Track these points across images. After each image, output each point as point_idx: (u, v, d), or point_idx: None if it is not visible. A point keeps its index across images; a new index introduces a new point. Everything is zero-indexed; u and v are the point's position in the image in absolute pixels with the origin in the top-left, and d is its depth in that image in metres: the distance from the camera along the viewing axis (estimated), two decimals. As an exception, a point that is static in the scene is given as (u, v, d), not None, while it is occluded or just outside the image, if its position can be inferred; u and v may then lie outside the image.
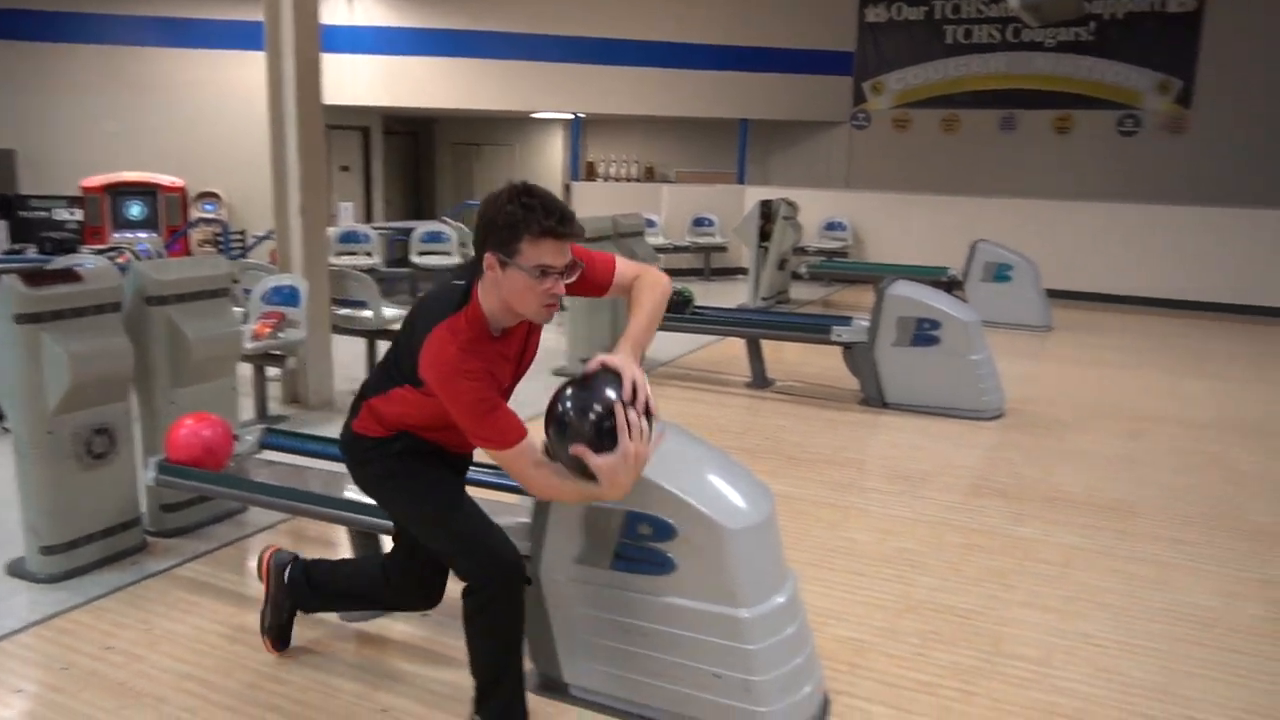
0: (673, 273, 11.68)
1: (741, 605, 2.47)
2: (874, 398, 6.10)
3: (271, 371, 5.75)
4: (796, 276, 10.62)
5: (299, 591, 2.91)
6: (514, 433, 2.19)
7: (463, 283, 2.26)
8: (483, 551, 2.40)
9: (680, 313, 6.54)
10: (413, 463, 2.46)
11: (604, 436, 2.16)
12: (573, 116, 14.04)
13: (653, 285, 2.42)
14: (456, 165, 16.90)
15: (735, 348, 6.71)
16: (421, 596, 2.77)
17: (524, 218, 2.11)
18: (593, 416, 2.17)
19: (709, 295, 9.52)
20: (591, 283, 2.39)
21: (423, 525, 2.52)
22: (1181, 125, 12.53)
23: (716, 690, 2.54)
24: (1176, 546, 4.06)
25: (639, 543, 2.52)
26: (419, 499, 2.48)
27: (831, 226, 12.35)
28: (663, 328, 7.40)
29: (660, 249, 10.53)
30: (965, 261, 9.41)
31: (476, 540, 2.41)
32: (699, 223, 12.69)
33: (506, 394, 2.34)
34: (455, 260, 9.97)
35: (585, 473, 2.19)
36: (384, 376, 2.45)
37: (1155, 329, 9.62)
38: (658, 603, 2.53)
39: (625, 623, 2.58)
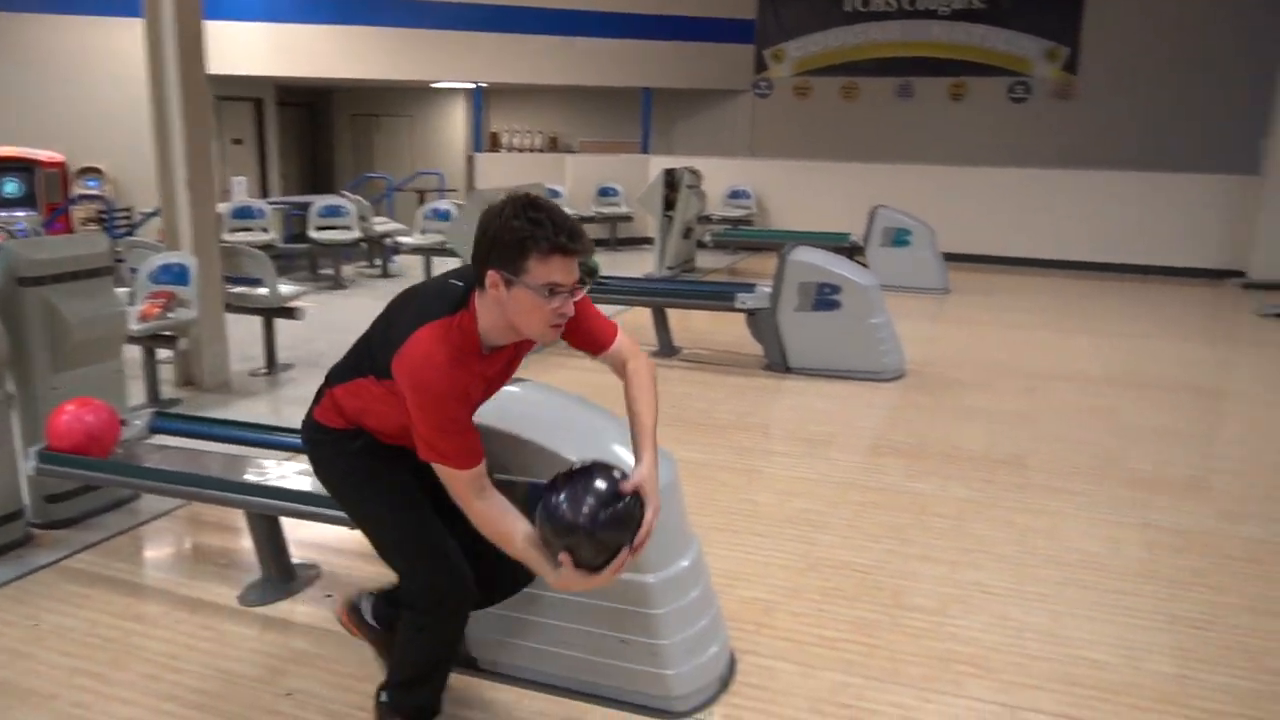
0: (579, 243, 11.53)
1: (646, 571, 2.49)
2: (778, 363, 6.20)
3: (163, 354, 5.54)
4: (701, 245, 10.68)
5: (391, 618, 2.55)
6: (472, 458, 2.06)
7: (461, 285, 2.11)
8: (430, 578, 2.26)
9: (584, 284, 6.52)
10: (372, 463, 2.29)
11: (591, 548, 2.06)
12: (474, 86, 13.81)
13: (651, 377, 2.31)
14: (356, 137, 16.48)
15: (642, 317, 6.72)
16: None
17: (532, 233, 1.95)
18: (593, 545, 2.04)
19: (615, 265, 9.52)
20: (590, 339, 2.29)
21: (373, 533, 2.36)
22: (1069, 91, 12.95)
23: (624, 655, 2.57)
24: (1065, 496, 4.23)
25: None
26: (373, 504, 2.33)
27: (736, 195, 12.45)
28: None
29: (566, 220, 10.45)
30: (865, 227, 9.59)
31: (425, 564, 2.26)
32: (604, 193, 12.65)
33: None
34: (355, 234, 9.74)
35: (548, 544, 2.08)
36: (350, 364, 2.29)
37: (1047, 289, 9.98)
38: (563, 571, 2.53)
39: (531, 594, 2.58)
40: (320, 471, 2.38)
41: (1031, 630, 3.07)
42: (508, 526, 2.09)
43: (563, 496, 2.06)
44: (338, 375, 2.32)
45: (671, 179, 9.94)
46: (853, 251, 9.07)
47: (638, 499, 2.08)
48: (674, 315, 6.77)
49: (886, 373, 6.05)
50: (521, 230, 1.96)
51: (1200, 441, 5.18)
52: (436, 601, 2.26)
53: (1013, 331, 7.86)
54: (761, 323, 6.17)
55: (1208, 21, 11.96)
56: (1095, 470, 4.57)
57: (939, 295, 9.27)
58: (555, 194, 11.43)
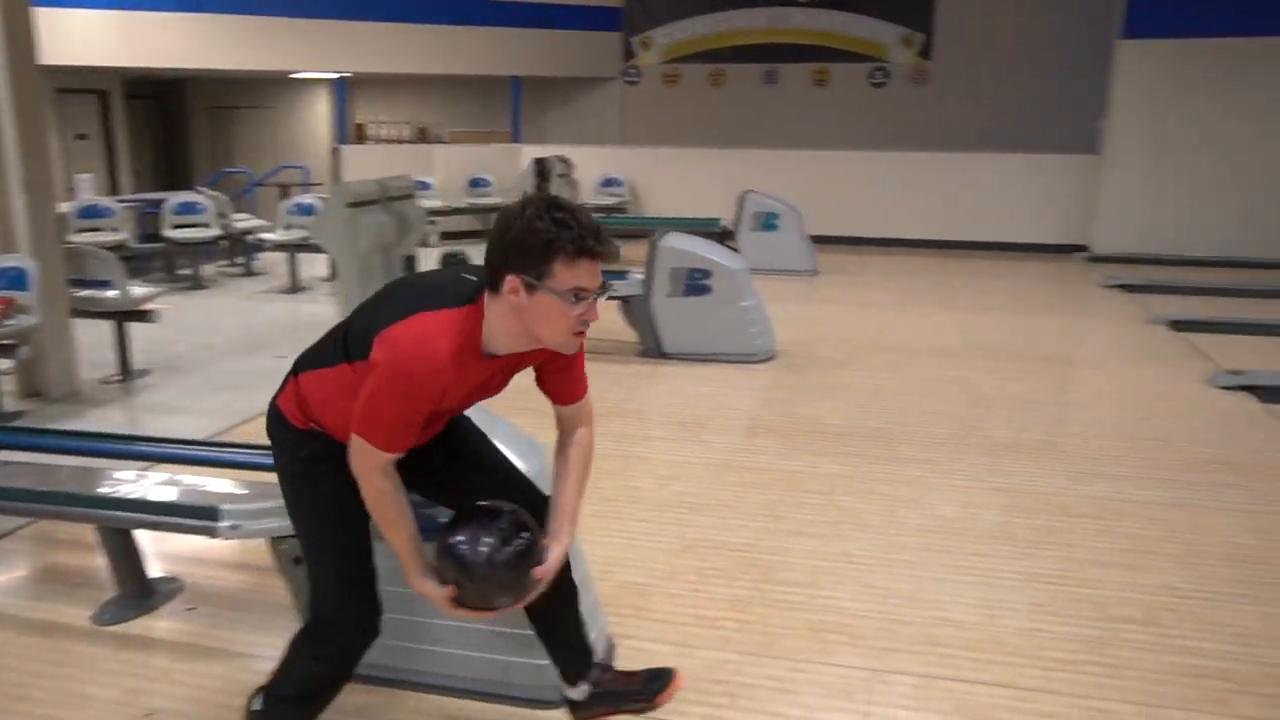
0: (451, 235, 11.38)
1: (519, 562, 2.48)
2: (652, 348, 6.26)
3: (2, 363, 5.21)
4: (577, 233, 10.65)
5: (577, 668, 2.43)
6: (400, 446, 1.96)
7: (475, 280, 1.97)
8: (338, 612, 2.16)
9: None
10: (320, 475, 2.14)
11: (477, 594, 2.02)
12: (337, 77, 13.41)
13: (590, 456, 2.24)
14: (213, 131, 15.79)
15: (516, 308, 6.69)
16: None
17: (558, 235, 1.83)
18: (477, 592, 2.01)
19: (490, 256, 9.44)
20: (565, 387, 2.18)
21: (302, 544, 2.23)
22: (924, 77, 13.44)
23: (500, 649, 2.56)
24: (928, 466, 4.41)
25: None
26: (309, 520, 2.18)
27: (608, 183, 12.47)
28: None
29: (437, 212, 10.30)
30: (735, 212, 9.76)
31: (338, 597, 2.16)
32: (476, 183, 12.48)
33: (439, 418, 2.13)
34: (213, 232, 9.34)
35: (438, 564, 2.03)
36: (322, 351, 2.15)
37: (909, 268, 10.36)
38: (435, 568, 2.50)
39: (403, 593, 2.53)
40: (274, 459, 2.24)
41: (897, 596, 3.20)
42: (397, 513, 2.01)
43: (465, 535, 2.01)
44: (306, 362, 2.18)
45: (542, 168, 9.90)
46: (724, 236, 9.21)
47: (531, 561, 2.04)
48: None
49: (758, 355, 6.18)
50: (546, 232, 1.83)
51: (1051, 407, 5.47)
52: (336, 635, 2.16)
53: (877, 310, 8.13)
54: (635, 309, 6.21)
55: (1049, 9, 12.58)
56: (955, 439, 4.77)
57: (808, 277, 9.51)
58: (425, 186, 11.23)
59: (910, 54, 13.46)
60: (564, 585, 2.28)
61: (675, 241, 6.21)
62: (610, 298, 6.24)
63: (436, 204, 11.28)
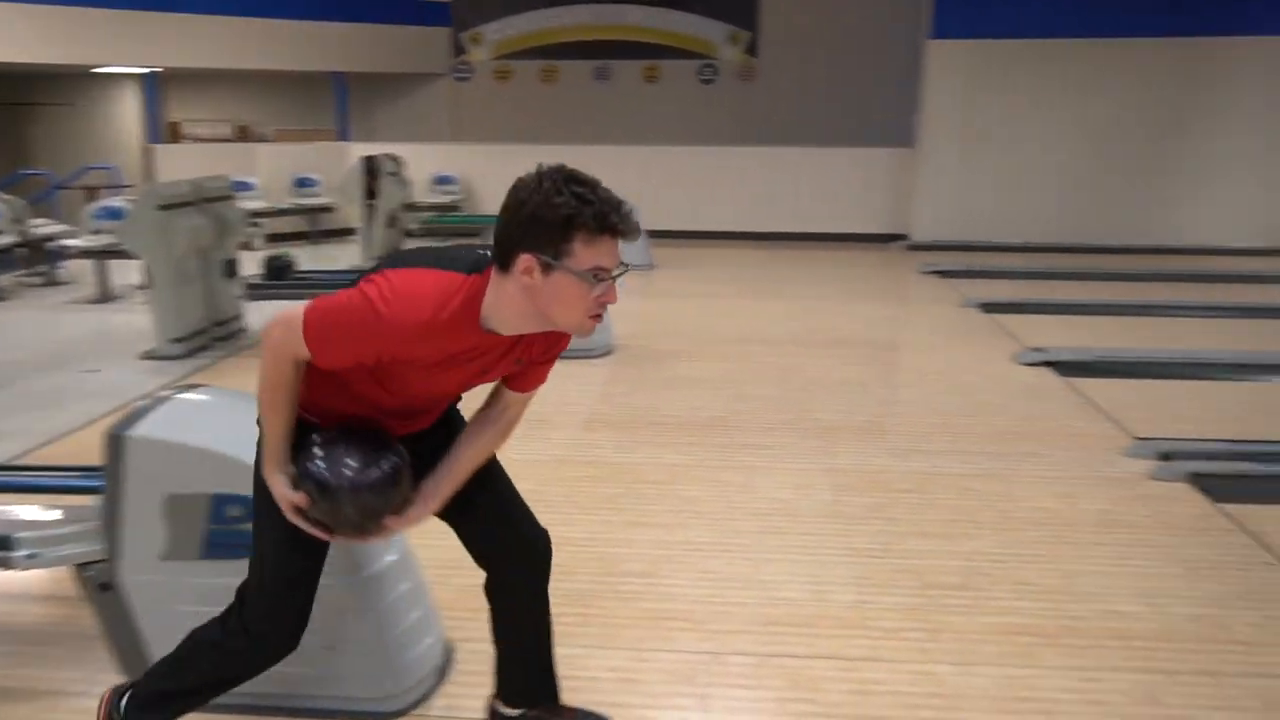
0: (277, 237, 10.91)
1: (348, 572, 2.41)
2: (491, 347, 6.19)
3: None
4: (409, 233, 10.45)
5: (525, 701, 2.43)
6: (326, 355, 1.84)
7: (486, 254, 1.85)
8: (268, 611, 2.08)
9: (281, 279, 6.19)
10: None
11: (321, 510, 1.96)
12: (146, 71, 12.64)
13: (507, 433, 2.14)
14: (6, 129, 14.60)
15: (348, 311, 6.48)
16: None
17: (579, 211, 1.70)
18: (332, 506, 1.94)
19: (320, 258, 9.13)
20: (529, 378, 2.07)
21: (256, 538, 2.12)
22: (751, 74, 13.83)
23: (333, 663, 2.48)
24: (763, 451, 4.55)
25: (231, 526, 2.36)
26: (268, 517, 2.07)
27: (442, 181, 12.27)
28: (264, 298, 6.90)
29: (260, 213, 9.86)
30: (572, 208, 9.76)
31: (275, 598, 2.08)
32: (302, 183, 12.03)
33: (431, 399, 2.05)
34: (8, 239, 8.63)
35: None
36: None
37: (741, 260, 10.64)
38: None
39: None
40: (257, 450, 2.09)
41: (734, 580, 3.28)
42: (284, 401, 1.93)
43: (336, 450, 1.95)
44: None
45: (371, 166, 9.63)
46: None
47: (383, 501, 1.97)
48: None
49: (596, 349, 6.21)
50: (566, 207, 1.70)
51: (875, 390, 5.74)
52: (258, 635, 2.09)
53: (712, 301, 8.33)
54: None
55: (866, 10, 13.17)
56: (787, 424, 4.94)
57: (644, 271, 9.62)
58: (247, 186, 10.74)
59: (737, 51, 13.82)
60: (536, 607, 2.31)
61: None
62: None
63: (260, 205, 10.81)
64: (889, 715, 2.57)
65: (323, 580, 2.13)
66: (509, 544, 2.28)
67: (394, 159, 10.15)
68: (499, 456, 2.24)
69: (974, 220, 11.47)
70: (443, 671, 2.69)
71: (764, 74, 13.70)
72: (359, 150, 11.48)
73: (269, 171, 11.89)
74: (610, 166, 12.02)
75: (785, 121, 13.28)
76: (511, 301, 1.79)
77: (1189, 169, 11.21)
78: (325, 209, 11.97)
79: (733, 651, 2.84)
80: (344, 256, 9.79)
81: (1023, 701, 2.65)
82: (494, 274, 1.81)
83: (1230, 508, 3.89)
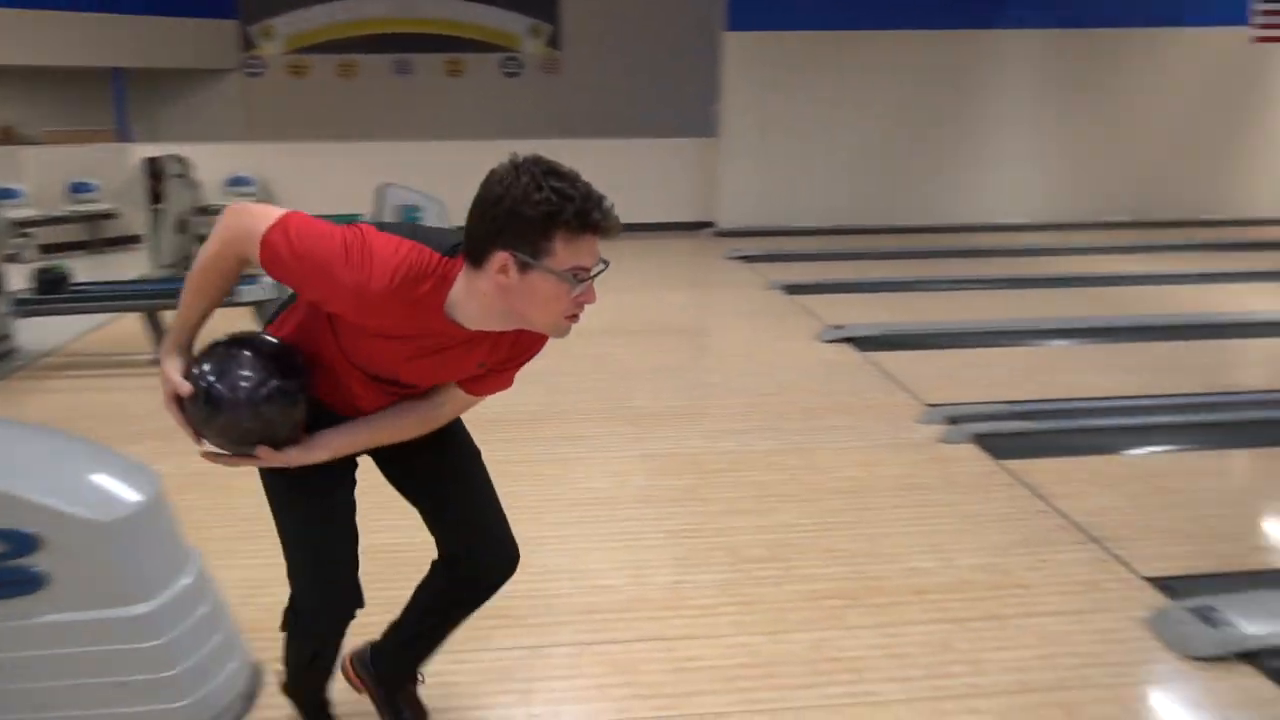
0: (53, 248, 10.09)
1: (136, 601, 2.26)
2: (295, 354, 5.93)
3: None
4: (201, 238, 9.87)
5: (382, 664, 2.44)
6: (274, 258, 1.75)
7: (459, 243, 1.73)
8: (311, 590, 2.13)
9: (56, 294, 5.72)
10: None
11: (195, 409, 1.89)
12: (-118, 69, 11.37)
13: (428, 422, 2.07)
14: None
15: (132, 325, 6.06)
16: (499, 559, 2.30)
17: (560, 208, 1.61)
18: (208, 412, 1.89)
19: (103, 269, 8.51)
20: (487, 383, 2.02)
21: (276, 524, 2.13)
22: (555, 66, 13.83)
23: (125, 700, 2.32)
24: (580, 442, 4.58)
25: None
26: (276, 493, 2.08)
27: (237, 181, 11.63)
28: (37, 313, 6.34)
29: (29, 222, 9.10)
30: (375, 205, 9.49)
31: (310, 575, 2.12)
32: (78, 189, 11.12)
33: (368, 393, 1.97)
34: None
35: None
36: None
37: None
38: (33, 626, 2.21)
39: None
40: None
41: (554, 572, 3.29)
42: (212, 287, 1.90)
43: (235, 360, 1.90)
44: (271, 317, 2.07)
45: (155, 169, 9.05)
46: (367, 232, 8.93)
47: (262, 421, 1.89)
48: (170, 317, 6.18)
49: (409, 350, 6.07)
50: (547, 204, 1.60)
51: (688, 374, 5.88)
52: (308, 613, 2.17)
53: (528, 295, 8.29)
54: (270, 315, 5.85)
55: (664, 2, 13.41)
56: (603, 414, 4.99)
57: (457, 268, 9.49)
58: (12, 194, 9.88)
59: (540, 44, 13.80)
60: (458, 612, 2.37)
61: (309, 240, 5.92)
62: (240, 304, 5.82)
63: (29, 214, 9.95)
64: (707, 689, 2.64)
65: (106, 615, 2.00)
66: (475, 552, 2.29)
67: (180, 160, 9.57)
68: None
69: (776, 206, 11.92)
70: (250, 696, 2.56)
71: (568, 66, 13.74)
72: (142, 152, 10.74)
73: (39, 177, 10.93)
74: (417, 162, 11.85)
75: (591, 113, 13.36)
76: (483, 298, 1.71)
77: (966, 152, 12.04)
78: (106, 215, 11.13)
79: (553, 644, 2.85)
80: (130, 266, 9.13)
81: (832, 662, 2.78)
82: (465, 266, 1.72)
83: (1011, 463, 4.23)
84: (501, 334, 1.85)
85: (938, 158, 12.02)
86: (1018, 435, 4.58)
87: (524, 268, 1.65)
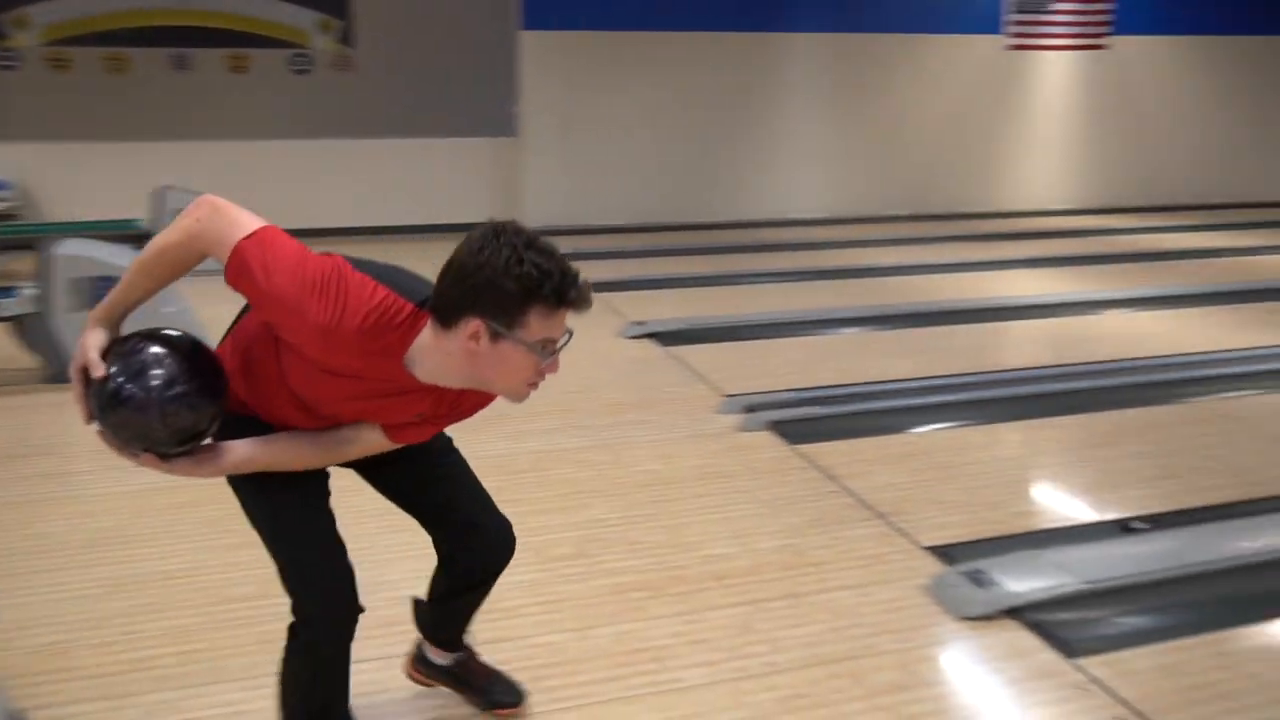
0: None
1: None
2: (60, 373, 5.48)
3: None
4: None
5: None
6: (240, 267, 1.71)
7: (429, 297, 1.74)
8: (307, 591, 2.04)
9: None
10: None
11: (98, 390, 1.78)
12: None
13: (326, 455, 2.00)
14: None
15: None
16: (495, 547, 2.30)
17: (539, 284, 1.61)
18: (107, 399, 1.77)
19: None
20: (408, 434, 1.98)
21: (257, 530, 2.06)
22: (348, 64, 13.36)
23: None
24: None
25: None
26: (253, 499, 2.05)
27: (-9, 185, 10.64)
28: None
29: None
30: (153, 210, 8.90)
31: (300, 574, 2.04)
32: None
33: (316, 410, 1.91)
34: None
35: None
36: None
37: (362, 254, 10.29)
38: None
39: None
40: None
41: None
42: (162, 271, 1.82)
43: (151, 353, 1.81)
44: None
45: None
46: (146, 238, 8.36)
47: (166, 424, 1.79)
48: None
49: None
50: (527, 279, 1.62)
51: (493, 376, 5.82)
52: (309, 619, 2.07)
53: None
54: (32, 331, 5.39)
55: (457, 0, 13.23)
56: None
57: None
58: None
59: (330, 40, 13.29)
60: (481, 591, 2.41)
61: (75, 248, 5.50)
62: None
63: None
64: (512, 692, 2.63)
65: None
66: (474, 551, 2.34)
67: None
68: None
69: (579, 205, 12.00)
70: (11, 748, 2.36)
71: (361, 64, 13.30)
72: None
73: None
74: (201, 163, 11.26)
75: (388, 113, 12.99)
76: (447, 359, 1.74)
77: (762, 150, 12.53)
78: None
79: (354, 660, 2.75)
80: None
81: (636, 653, 2.84)
82: (432, 323, 1.74)
83: (804, 447, 4.43)
84: (448, 390, 1.87)
85: (734, 156, 12.45)
86: (809, 420, 4.81)
87: (495, 336, 1.69)
